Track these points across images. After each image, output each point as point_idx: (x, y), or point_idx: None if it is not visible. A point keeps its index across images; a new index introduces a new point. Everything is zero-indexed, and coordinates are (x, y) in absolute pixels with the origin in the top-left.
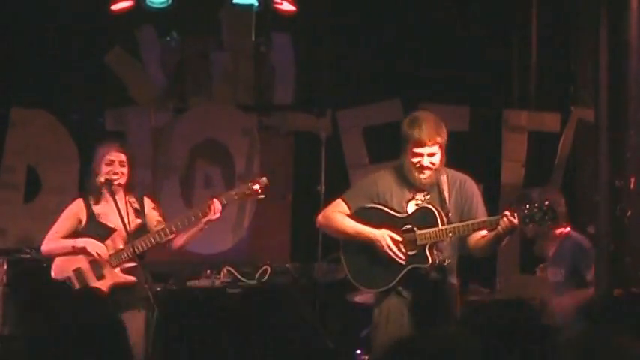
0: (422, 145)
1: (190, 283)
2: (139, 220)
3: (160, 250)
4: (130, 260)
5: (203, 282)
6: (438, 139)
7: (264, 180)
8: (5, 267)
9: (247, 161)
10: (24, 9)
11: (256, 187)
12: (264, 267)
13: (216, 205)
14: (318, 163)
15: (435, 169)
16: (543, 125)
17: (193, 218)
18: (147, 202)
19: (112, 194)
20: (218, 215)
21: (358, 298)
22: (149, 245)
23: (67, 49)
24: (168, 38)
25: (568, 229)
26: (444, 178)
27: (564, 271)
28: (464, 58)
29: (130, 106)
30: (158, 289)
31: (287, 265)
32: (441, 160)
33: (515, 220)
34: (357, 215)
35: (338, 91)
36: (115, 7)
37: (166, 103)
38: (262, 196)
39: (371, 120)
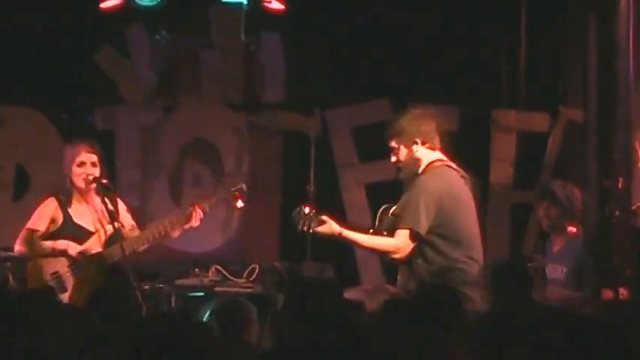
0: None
1: (179, 282)
2: (115, 224)
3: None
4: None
5: (192, 281)
6: (396, 139)
7: (243, 187)
8: None
9: (236, 160)
10: (12, 7)
11: (236, 193)
12: (253, 266)
13: (199, 213)
14: (307, 163)
15: (404, 167)
16: (532, 125)
17: (171, 225)
18: (120, 204)
19: (85, 196)
20: (198, 223)
21: (348, 295)
22: (126, 253)
23: (56, 47)
24: (157, 37)
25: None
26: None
27: (567, 269)
28: (453, 58)
29: (119, 105)
30: (146, 287)
31: (275, 264)
32: (406, 158)
33: None
34: None
35: (327, 90)
36: (104, 5)
37: (155, 101)
38: (241, 204)
39: (360, 120)
